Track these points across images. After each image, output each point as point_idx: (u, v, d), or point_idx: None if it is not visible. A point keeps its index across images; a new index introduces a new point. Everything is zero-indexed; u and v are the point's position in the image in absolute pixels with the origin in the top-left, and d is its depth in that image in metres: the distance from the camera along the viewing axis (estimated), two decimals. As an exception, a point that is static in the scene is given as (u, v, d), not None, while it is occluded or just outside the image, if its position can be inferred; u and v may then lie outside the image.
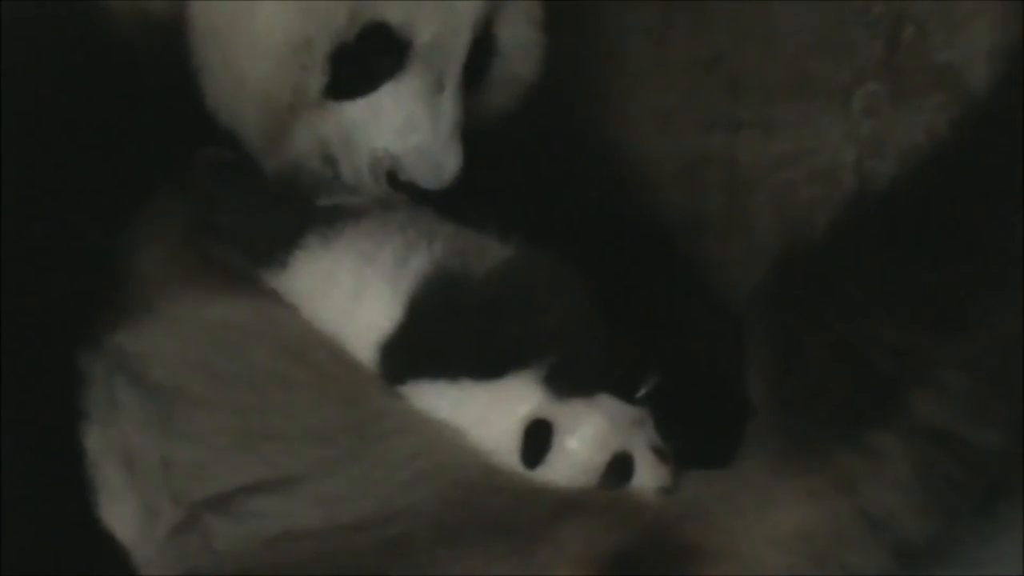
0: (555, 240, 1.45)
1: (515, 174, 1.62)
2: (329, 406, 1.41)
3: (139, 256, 1.49)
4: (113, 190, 1.49)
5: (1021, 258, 1.34)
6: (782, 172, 1.91)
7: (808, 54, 1.90)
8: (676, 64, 1.96)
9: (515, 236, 1.46)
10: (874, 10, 1.87)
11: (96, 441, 1.44)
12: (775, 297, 1.42)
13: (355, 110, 1.54)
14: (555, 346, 1.40)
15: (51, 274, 1.45)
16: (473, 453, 1.39)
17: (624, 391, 1.40)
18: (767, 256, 1.49)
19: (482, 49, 1.58)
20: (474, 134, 1.55)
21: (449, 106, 1.54)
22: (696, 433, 1.42)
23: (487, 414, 1.39)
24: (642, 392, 1.41)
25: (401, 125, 1.53)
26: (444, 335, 1.41)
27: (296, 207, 1.52)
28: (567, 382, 1.39)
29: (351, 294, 1.44)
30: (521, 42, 1.63)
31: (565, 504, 1.36)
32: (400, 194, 1.54)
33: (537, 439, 1.38)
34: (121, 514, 1.43)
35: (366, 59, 1.53)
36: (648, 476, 1.38)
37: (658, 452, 1.39)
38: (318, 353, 1.43)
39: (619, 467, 1.38)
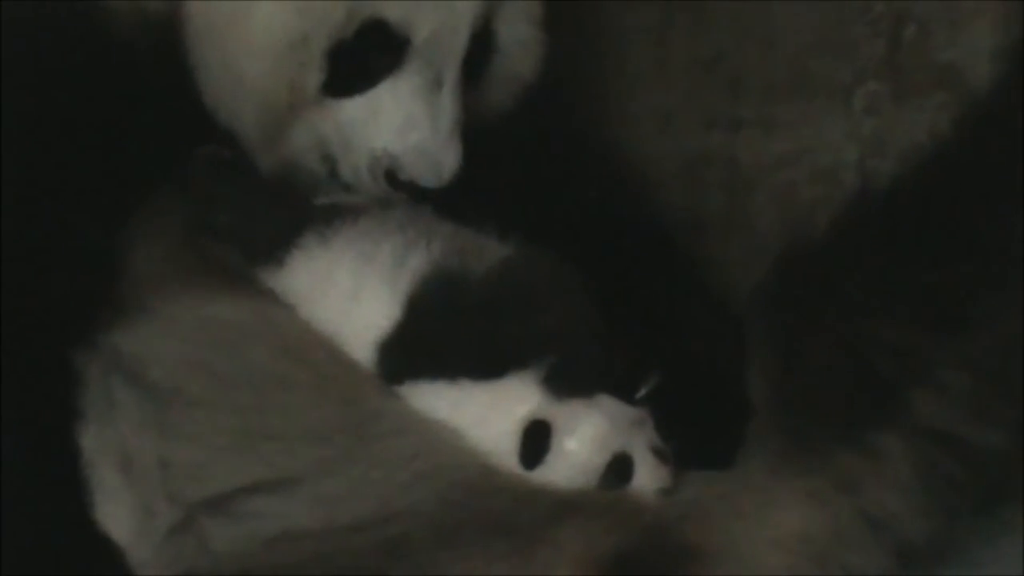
0: (555, 240, 1.46)
1: (515, 173, 1.62)
2: (327, 406, 1.41)
3: (136, 255, 1.49)
4: (111, 189, 1.49)
5: (1022, 257, 1.34)
6: (783, 172, 1.91)
7: (809, 53, 1.90)
8: (676, 63, 1.96)
9: (514, 236, 1.46)
10: (875, 8, 1.87)
11: (92, 441, 1.44)
12: (776, 297, 1.42)
13: (353, 108, 1.54)
14: (554, 346, 1.40)
15: (48, 273, 1.45)
16: (472, 454, 1.39)
17: (624, 391, 1.41)
18: (768, 256, 1.49)
19: (481, 47, 1.59)
20: (473, 133, 1.55)
21: (448, 104, 1.54)
22: (696, 434, 1.42)
23: (486, 414, 1.40)
24: (642, 392, 1.42)
25: (400, 123, 1.54)
26: (443, 335, 1.41)
27: (294, 206, 1.52)
28: (566, 382, 1.39)
29: (349, 294, 1.45)
30: (521, 40, 1.64)
31: (564, 505, 1.36)
32: (399, 193, 1.54)
33: (536, 440, 1.38)
34: (117, 515, 1.43)
35: (364, 56, 1.53)
36: (648, 477, 1.38)
37: (658, 453, 1.39)
38: (316, 353, 1.44)
39: (619, 468, 1.38)
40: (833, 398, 1.36)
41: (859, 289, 1.38)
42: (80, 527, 1.42)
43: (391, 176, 1.55)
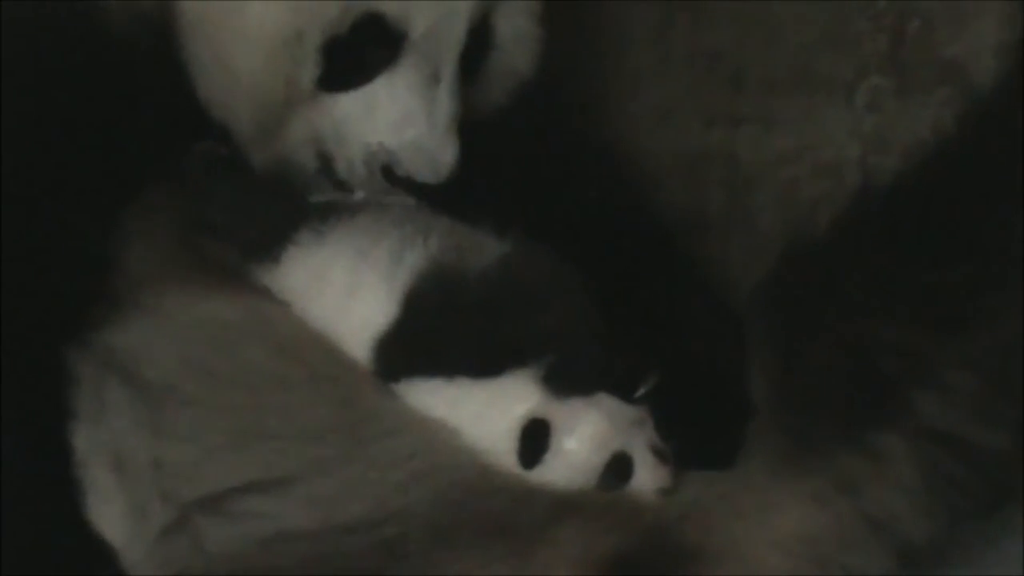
0: (553, 237, 1.46)
1: (513, 170, 1.62)
2: (323, 405, 1.41)
3: (130, 252, 1.49)
4: (105, 186, 1.49)
5: (1026, 256, 1.35)
6: (784, 168, 1.91)
7: (810, 48, 1.90)
8: (676, 59, 1.96)
9: (512, 233, 1.47)
10: (878, 4, 1.87)
11: (85, 441, 1.45)
12: (777, 296, 1.43)
13: (349, 103, 1.55)
14: (553, 344, 1.40)
15: (41, 270, 1.46)
16: (469, 453, 1.40)
17: (623, 390, 1.41)
18: (769, 254, 1.49)
19: (479, 42, 1.59)
20: (472, 129, 1.56)
21: (445, 99, 1.54)
22: (696, 433, 1.42)
23: (484, 413, 1.40)
24: (641, 391, 1.41)
25: (396, 118, 1.54)
26: (440, 332, 1.41)
27: (289, 203, 1.52)
28: (565, 381, 1.39)
29: (345, 291, 1.45)
30: (519, 35, 1.64)
31: (563, 505, 1.37)
32: (396, 189, 1.55)
33: (535, 439, 1.38)
34: (110, 515, 1.43)
35: (360, 51, 1.53)
36: (647, 477, 1.39)
37: (658, 452, 1.39)
38: (312, 351, 1.44)
39: (618, 468, 1.38)
40: (834, 398, 1.36)
41: (861, 288, 1.38)
42: (73, 527, 1.43)
43: (388, 171, 1.55)
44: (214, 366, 1.43)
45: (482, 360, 1.40)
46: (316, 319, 1.46)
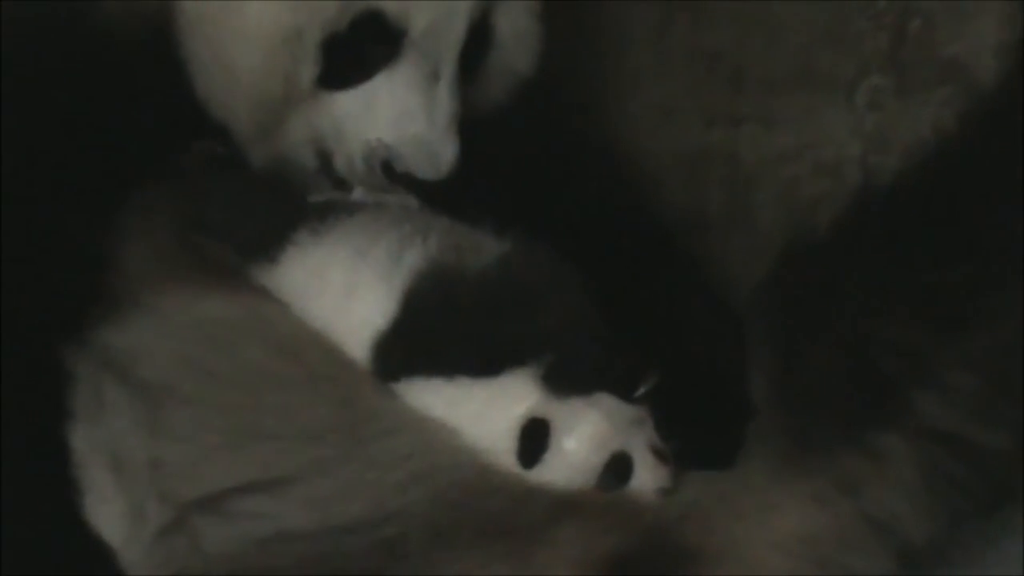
0: (553, 237, 1.46)
1: (513, 169, 1.62)
2: (321, 405, 1.41)
3: (128, 251, 1.49)
4: (102, 184, 1.49)
5: (1029, 255, 1.36)
6: (785, 167, 1.91)
7: (811, 47, 1.91)
8: (676, 58, 1.96)
9: (512, 232, 1.47)
10: (879, 3, 1.87)
11: (82, 441, 1.44)
12: (777, 295, 1.43)
13: (349, 101, 1.55)
14: (553, 344, 1.40)
15: (38, 269, 1.46)
16: (469, 453, 1.40)
17: (623, 390, 1.41)
18: (769, 253, 1.50)
19: (479, 40, 1.59)
20: (472, 128, 1.56)
21: (445, 96, 1.54)
22: (696, 433, 1.42)
23: (483, 413, 1.40)
24: (641, 391, 1.41)
25: (396, 115, 1.54)
26: (439, 332, 1.41)
27: (288, 201, 1.52)
28: (565, 380, 1.39)
29: (344, 290, 1.45)
30: (519, 33, 1.64)
31: (563, 505, 1.37)
32: (396, 186, 1.55)
33: (534, 439, 1.39)
34: (108, 515, 1.43)
35: (360, 49, 1.54)
36: (647, 477, 1.39)
37: (658, 452, 1.39)
38: (310, 351, 1.44)
39: (618, 468, 1.38)
40: (835, 398, 1.36)
41: (861, 287, 1.38)
42: (70, 528, 1.43)
43: (387, 168, 1.55)
44: (212, 366, 1.43)
45: (481, 359, 1.40)
46: (315, 319, 1.46)
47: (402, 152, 1.54)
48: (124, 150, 1.50)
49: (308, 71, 1.53)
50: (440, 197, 1.53)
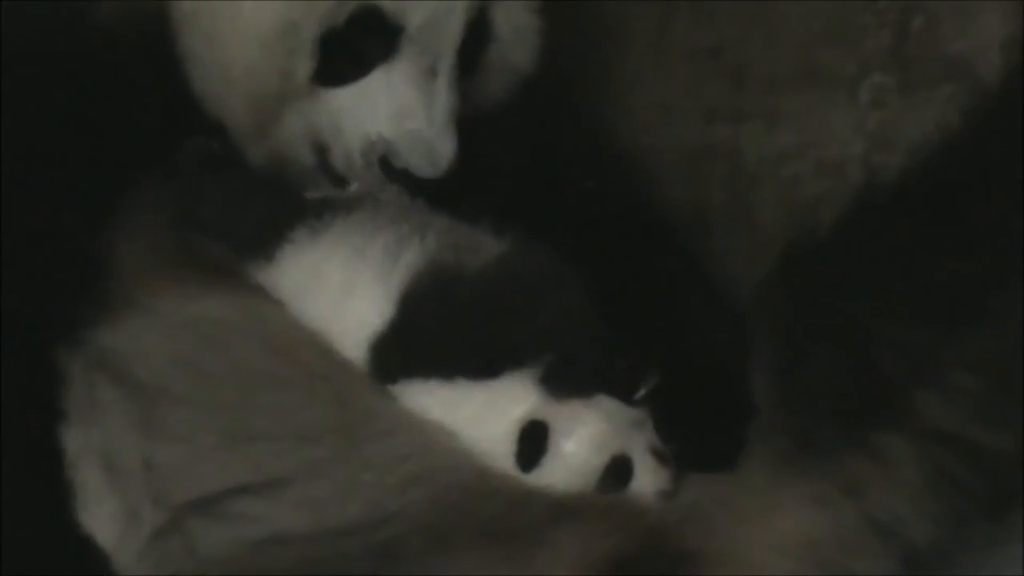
0: (552, 236, 1.46)
1: (512, 167, 1.62)
2: (317, 406, 1.42)
3: (122, 250, 1.49)
4: (97, 182, 1.49)
5: (1034, 255, 1.35)
6: (787, 166, 1.91)
7: (813, 44, 1.90)
8: (678, 54, 1.96)
9: (511, 231, 1.47)
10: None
11: (75, 441, 1.44)
12: (779, 294, 1.43)
13: (346, 96, 1.55)
14: (552, 345, 1.40)
15: (31, 268, 1.46)
16: (466, 455, 1.40)
17: (623, 392, 1.41)
18: (771, 252, 1.50)
19: (478, 36, 1.59)
20: (470, 125, 1.56)
21: (443, 93, 1.54)
22: (697, 435, 1.43)
23: (481, 415, 1.40)
24: (641, 393, 1.41)
25: (394, 111, 1.54)
26: (437, 333, 1.41)
27: (284, 199, 1.52)
28: (564, 382, 1.39)
29: (341, 289, 1.45)
30: (518, 28, 1.64)
31: (562, 508, 1.37)
32: (393, 183, 1.54)
33: (533, 441, 1.39)
34: (101, 517, 1.43)
35: (357, 44, 1.54)
36: (647, 479, 1.39)
37: (658, 455, 1.40)
38: (306, 351, 1.44)
39: (617, 470, 1.39)
40: (837, 399, 1.37)
41: (864, 287, 1.39)
42: (63, 530, 1.43)
43: (385, 163, 1.55)
44: (207, 366, 1.43)
45: (480, 361, 1.40)
46: (311, 318, 1.46)
47: (400, 148, 1.54)
48: (119, 148, 1.50)
49: (304, 67, 1.53)
50: (438, 194, 1.53)
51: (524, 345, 1.40)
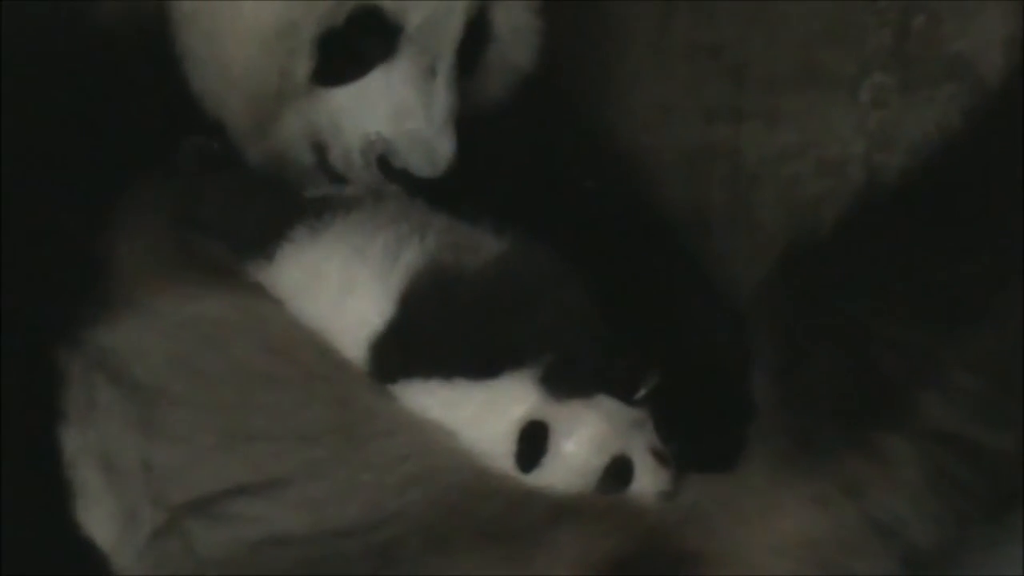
0: (552, 235, 1.47)
1: (512, 166, 1.63)
2: (316, 406, 1.42)
3: (121, 249, 1.49)
4: (95, 182, 1.49)
5: (1037, 254, 1.36)
6: (788, 165, 1.91)
7: (814, 42, 1.91)
8: (677, 52, 1.96)
9: (511, 231, 1.47)
10: (882, -1, 1.88)
11: (74, 442, 1.44)
12: (780, 295, 1.43)
13: (345, 96, 1.55)
14: (552, 345, 1.40)
15: (30, 268, 1.46)
16: (466, 456, 1.40)
17: (623, 392, 1.41)
18: (771, 252, 1.50)
19: (477, 35, 1.59)
20: (470, 124, 1.56)
21: (442, 92, 1.54)
22: (697, 435, 1.43)
23: (481, 415, 1.40)
24: (642, 393, 1.42)
25: (393, 111, 1.54)
26: (437, 332, 1.42)
27: (284, 198, 1.52)
28: (564, 382, 1.40)
29: (340, 289, 1.45)
30: (518, 28, 1.64)
31: (561, 509, 1.37)
32: (392, 182, 1.55)
33: (533, 441, 1.39)
34: (99, 518, 1.43)
35: (356, 44, 1.54)
36: (648, 480, 1.39)
37: (658, 455, 1.40)
38: (305, 351, 1.44)
39: (617, 471, 1.39)
40: (838, 399, 1.37)
41: (865, 287, 1.39)
42: (62, 531, 1.43)
43: (384, 163, 1.55)
44: (205, 365, 1.43)
45: (479, 361, 1.40)
46: (310, 318, 1.46)
47: (399, 146, 1.54)
48: (119, 148, 1.51)
49: (303, 66, 1.53)
50: (437, 194, 1.53)
51: (524, 345, 1.40)
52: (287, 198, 1.52)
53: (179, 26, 1.54)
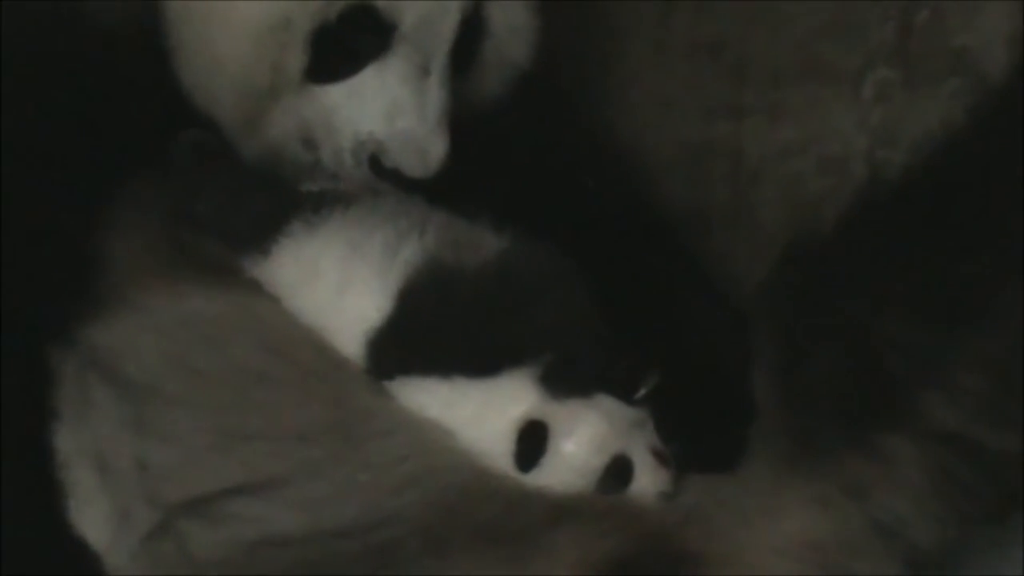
0: (552, 233, 1.47)
1: (511, 164, 1.63)
2: (313, 405, 1.42)
3: (115, 247, 1.49)
4: (88, 179, 1.50)
5: (1040, 252, 1.36)
6: (789, 162, 1.91)
7: (816, 37, 1.91)
8: (678, 48, 1.96)
9: (510, 228, 1.47)
10: (886, -7, 1.88)
11: (67, 441, 1.45)
12: (781, 293, 1.44)
13: (337, 93, 1.55)
14: (551, 343, 1.41)
15: (23, 266, 1.46)
16: (464, 455, 1.40)
17: (623, 391, 1.42)
18: (773, 250, 1.50)
19: (472, 32, 1.59)
20: (469, 122, 1.56)
21: (436, 91, 1.55)
22: (698, 435, 1.43)
23: (480, 414, 1.41)
24: (642, 392, 1.42)
25: (385, 109, 1.54)
26: (435, 330, 1.42)
27: (280, 193, 1.51)
28: (564, 381, 1.40)
29: (337, 285, 1.45)
30: (514, 25, 1.64)
31: (561, 510, 1.38)
32: (383, 181, 1.55)
33: (532, 441, 1.39)
34: (93, 518, 1.44)
35: (349, 41, 1.54)
36: (648, 480, 1.40)
37: (658, 455, 1.41)
38: (302, 348, 1.44)
39: (617, 471, 1.39)
40: (839, 399, 1.37)
41: (868, 286, 1.39)
42: (55, 531, 1.43)
43: (375, 162, 1.56)
44: (200, 364, 1.43)
45: (478, 359, 1.40)
46: (307, 314, 1.46)
47: (390, 146, 1.55)
48: (110, 143, 1.51)
49: (296, 62, 1.53)
50: (429, 192, 1.53)
51: (523, 343, 1.41)
52: (284, 193, 1.51)
53: (171, 21, 1.54)
